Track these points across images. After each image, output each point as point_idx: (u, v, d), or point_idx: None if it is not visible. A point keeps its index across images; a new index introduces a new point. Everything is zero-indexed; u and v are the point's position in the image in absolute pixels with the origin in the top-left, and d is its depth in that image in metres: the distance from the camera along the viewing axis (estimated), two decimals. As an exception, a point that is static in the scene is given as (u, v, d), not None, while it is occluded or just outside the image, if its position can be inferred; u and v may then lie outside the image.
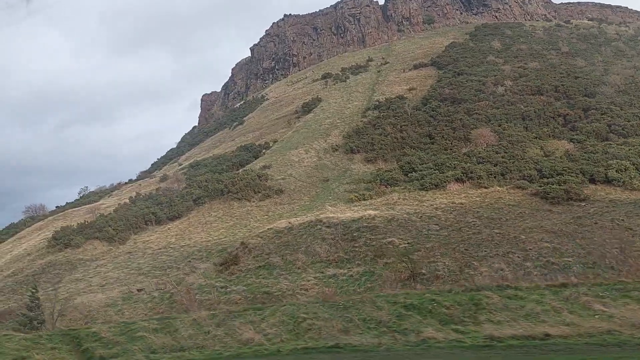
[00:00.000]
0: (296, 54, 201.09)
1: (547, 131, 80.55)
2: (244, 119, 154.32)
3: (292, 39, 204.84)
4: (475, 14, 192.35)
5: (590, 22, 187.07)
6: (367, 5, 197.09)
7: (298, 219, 56.75)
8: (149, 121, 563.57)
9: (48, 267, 64.28)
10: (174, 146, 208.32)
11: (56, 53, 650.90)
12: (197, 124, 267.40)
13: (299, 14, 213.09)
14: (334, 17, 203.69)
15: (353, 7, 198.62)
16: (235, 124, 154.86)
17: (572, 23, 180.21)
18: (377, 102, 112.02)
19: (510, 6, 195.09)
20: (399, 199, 59.78)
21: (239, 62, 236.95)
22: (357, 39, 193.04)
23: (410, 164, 74.48)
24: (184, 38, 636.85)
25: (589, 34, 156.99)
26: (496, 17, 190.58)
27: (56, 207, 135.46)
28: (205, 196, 77.12)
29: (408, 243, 41.00)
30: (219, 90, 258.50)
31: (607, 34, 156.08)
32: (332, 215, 52.02)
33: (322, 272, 40.29)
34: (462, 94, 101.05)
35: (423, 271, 35.41)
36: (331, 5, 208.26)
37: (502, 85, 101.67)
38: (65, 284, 56.76)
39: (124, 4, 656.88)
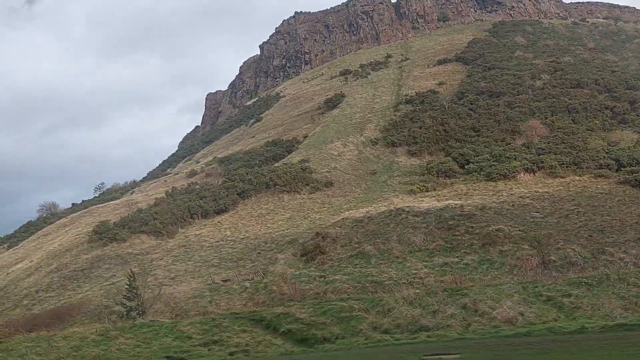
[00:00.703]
0: (308, 51, 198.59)
1: (598, 123, 78.85)
2: (261, 116, 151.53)
3: (303, 36, 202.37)
4: (490, 12, 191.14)
5: (604, 20, 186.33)
6: (380, 3, 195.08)
7: (369, 208, 54.47)
8: (137, 125, 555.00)
9: (96, 261, 61.41)
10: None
11: (45, 57, 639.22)
12: (199, 124, 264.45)
13: (309, 12, 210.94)
14: (346, 15, 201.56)
15: (366, 5, 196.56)
16: (252, 121, 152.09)
17: (588, 21, 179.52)
18: (408, 97, 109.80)
19: (524, 4, 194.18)
20: (468, 189, 57.77)
21: (247, 60, 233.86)
22: (370, 36, 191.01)
23: (463, 156, 72.44)
24: (174, 43, 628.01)
25: (608, 32, 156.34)
26: (510, 15, 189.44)
27: (72, 204, 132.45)
28: (251, 189, 74.61)
29: (520, 230, 38.72)
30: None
31: (627, 32, 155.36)
32: (410, 205, 49.72)
33: (428, 261, 37.95)
34: (499, 88, 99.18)
35: (553, 258, 33.16)
36: (343, 3, 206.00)
37: (539, 79, 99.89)
38: (124, 278, 53.91)
39: (114, 9, 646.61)
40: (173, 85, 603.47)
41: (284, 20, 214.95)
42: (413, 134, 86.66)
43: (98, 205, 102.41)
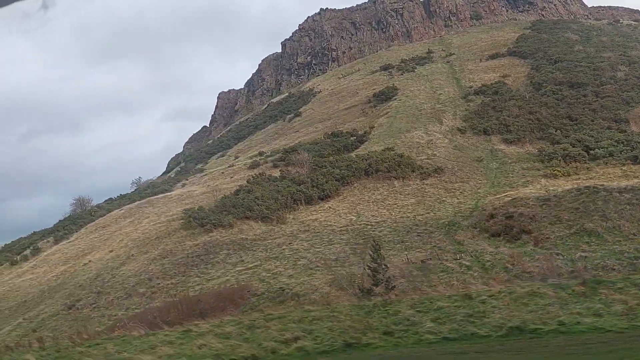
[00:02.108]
0: (335, 48, 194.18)
1: None
2: (300, 111, 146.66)
3: (330, 33, 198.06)
4: (521, 12, 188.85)
5: (637, 22, 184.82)
6: (409, 0, 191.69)
7: (526, 190, 50.07)
8: (119, 132, 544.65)
9: (210, 247, 55.94)
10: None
11: (28, 63, 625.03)
12: (207, 124, 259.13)
13: (335, 9, 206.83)
14: (374, 12, 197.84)
15: (395, 2, 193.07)
16: (289, 116, 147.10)
17: (622, 22, 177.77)
18: (476, 88, 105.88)
19: (555, 5, 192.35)
20: (624, 172, 53.89)
21: (267, 57, 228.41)
22: (401, 33, 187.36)
23: (581, 142, 68.59)
24: (158, 50, 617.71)
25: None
26: (542, 15, 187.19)
27: (109, 198, 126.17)
28: (350, 175, 69.85)
29: None
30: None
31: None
32: (596, 183, 45.61)
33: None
34: (578, 78, 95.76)
35: None
36: (369, 0, 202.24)
37: (619, 71, 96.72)
38: (261, 262, 48.65)
39: (98, 16, 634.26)
40: (156, 92, 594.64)
41: (308, 17, 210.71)
42: (504, 122, 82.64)
43: (156, 197, 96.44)
